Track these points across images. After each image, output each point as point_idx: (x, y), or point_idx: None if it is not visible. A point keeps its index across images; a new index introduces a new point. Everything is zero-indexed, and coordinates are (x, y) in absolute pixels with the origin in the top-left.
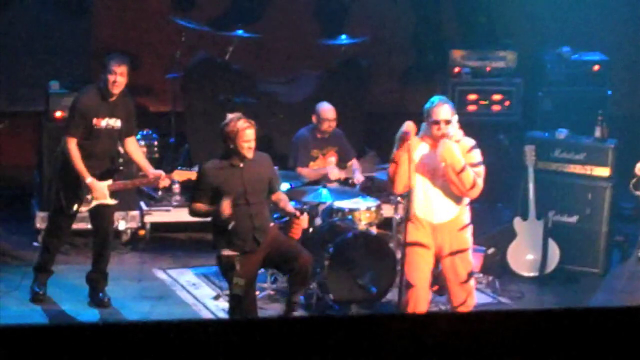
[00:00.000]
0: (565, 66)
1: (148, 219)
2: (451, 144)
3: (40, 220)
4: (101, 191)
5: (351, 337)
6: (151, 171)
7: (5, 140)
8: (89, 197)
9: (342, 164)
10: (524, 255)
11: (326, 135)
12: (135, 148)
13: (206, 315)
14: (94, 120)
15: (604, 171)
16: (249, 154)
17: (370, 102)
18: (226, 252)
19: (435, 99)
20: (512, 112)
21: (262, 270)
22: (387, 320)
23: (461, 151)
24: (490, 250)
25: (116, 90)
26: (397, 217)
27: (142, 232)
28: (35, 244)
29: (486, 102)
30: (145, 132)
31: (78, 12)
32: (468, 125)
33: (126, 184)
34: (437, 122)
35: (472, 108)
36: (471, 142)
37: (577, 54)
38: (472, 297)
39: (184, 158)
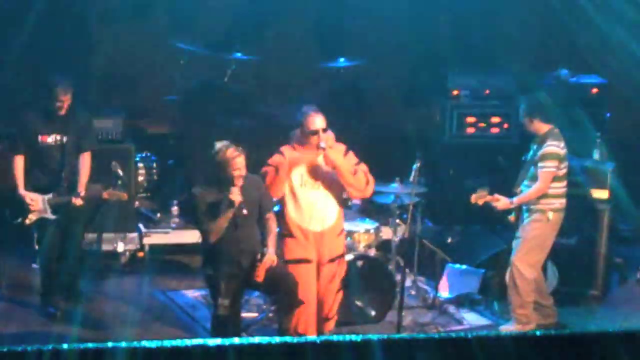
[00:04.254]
0: (563, 89)
1: (147, 241)
2: (337, 151)
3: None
4: (37, 203)
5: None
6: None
7: (4, 162)
8: (30, 210)
9: None
10: None
11: None
12: (83, 163)
13: (204, 337)
14: (39, 138)
15: (602, 193)
16: (239, 182)
17: (368, 124)
18: (211, 273)
19: (308, 109)
20: (510, 134)
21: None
22: (384, 343)
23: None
24: (489, 273)
25: (61, 113)
26: (396, 239)
27: (141, 254)
28: (34, 265)
29: (485, 125)
30: (143, 155)
31: (78, 35)
32: (467, 147)
33: (63, 199)
34: (315, 132)
35: (470, 130)
36: (342, 146)
37: (576, 76)
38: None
39: (183, 180)
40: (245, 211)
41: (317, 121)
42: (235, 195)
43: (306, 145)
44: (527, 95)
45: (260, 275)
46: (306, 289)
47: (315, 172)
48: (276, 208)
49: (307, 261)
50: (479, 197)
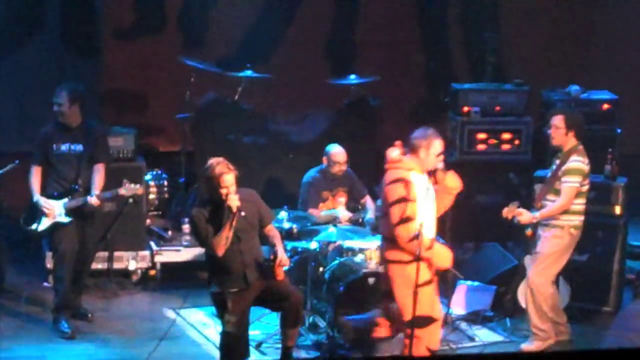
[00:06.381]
0: (574, 105)
1: (158, 259)
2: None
3: (51, 261)
4: (52, 209)
5: None
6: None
7: (17, 180)
8: (45, 215)
9: (353, 203)
10: None
11: (337, 177)
12: (97, 173)
13: (216, 355)
14: (54, 146)
15: (614, 210)
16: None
17: (379, 141)
18: (218, 290)
19: (430, 131)
20: (521, 150)
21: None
22: None
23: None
24: (502, 289)
25: (61, 119)
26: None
27: (152, 272)
28: (45, 284)
29: (496, 141)
30: (155, 172)
31: (89, 53)
32: (478, 164)
33: (78, 202)
34: (441, 154)
35: (481, 147)
36: None
37: (586, 92)
38: None
39: (194, 197)
40: (243, 213)
41: (441, 143)
42: (233, 201)
43: (425, 165)
44: (567, 107)
45: (280, 274)
46: (437, 304)
47: (433, 187)
48: None
49: (431, 281)
50: (509, 212)
